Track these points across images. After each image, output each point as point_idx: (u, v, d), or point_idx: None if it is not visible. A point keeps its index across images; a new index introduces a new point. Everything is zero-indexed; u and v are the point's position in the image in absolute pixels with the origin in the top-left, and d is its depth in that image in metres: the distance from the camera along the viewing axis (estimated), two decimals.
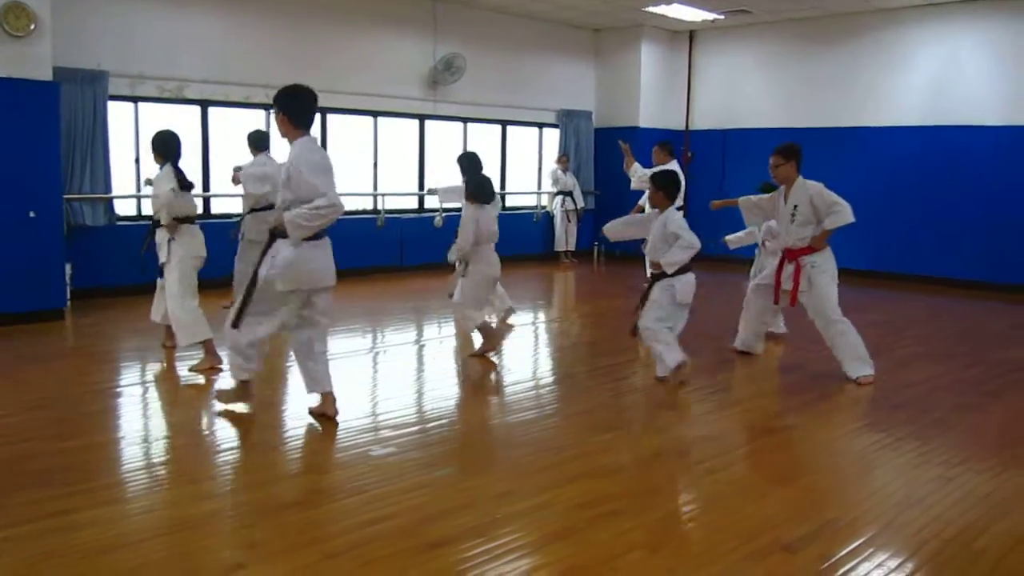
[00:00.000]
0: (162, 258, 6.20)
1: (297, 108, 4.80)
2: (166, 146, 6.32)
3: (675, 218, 6.02)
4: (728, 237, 8.25)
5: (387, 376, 6.47)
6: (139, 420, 5.20)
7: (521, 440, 4.81)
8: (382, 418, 5.16)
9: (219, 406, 5.17)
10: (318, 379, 5.00)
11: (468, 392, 6.04)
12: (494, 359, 6.76)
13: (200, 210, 9.74)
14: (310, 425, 4.97)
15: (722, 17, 12.69)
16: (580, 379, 6.21)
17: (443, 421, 5.25)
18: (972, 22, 11.28)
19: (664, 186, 6.13)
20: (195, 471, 4.24)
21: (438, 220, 11.46)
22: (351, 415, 5.14)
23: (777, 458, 4.65)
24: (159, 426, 5.12)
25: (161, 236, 6.17)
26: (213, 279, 7.56)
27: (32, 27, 7.42)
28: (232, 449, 4.62)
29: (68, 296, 8.31)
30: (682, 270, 5.90)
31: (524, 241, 13.36)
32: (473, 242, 6.65)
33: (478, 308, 6.90)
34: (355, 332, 7.98)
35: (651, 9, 12.16)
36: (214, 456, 4.51)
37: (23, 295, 7.61)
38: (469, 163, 7.76)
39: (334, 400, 5.01)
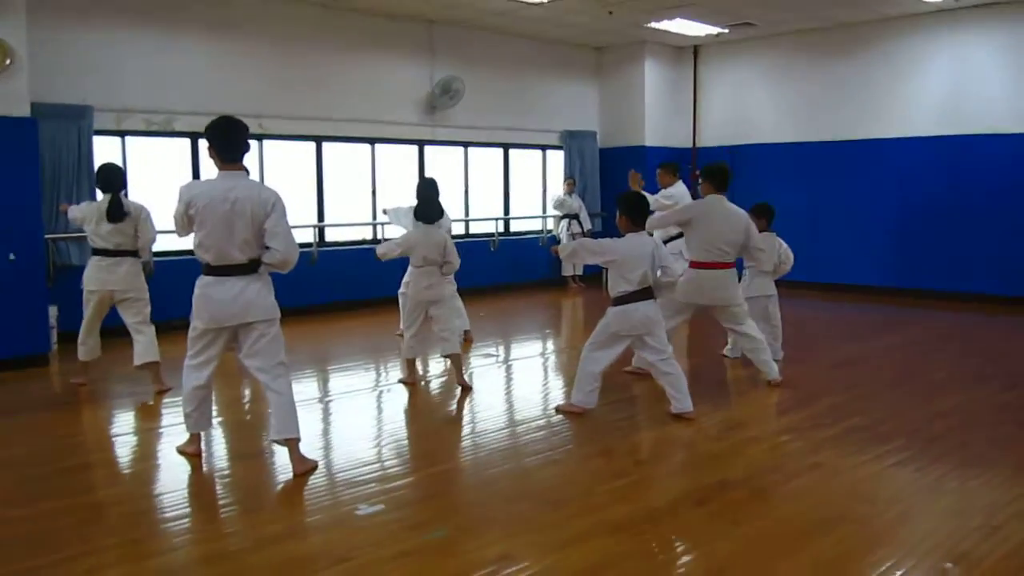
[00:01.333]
0: None
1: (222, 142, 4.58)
2: (102, 176, 6.58)
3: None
4: None
5: (378, 419, 6.09)
6: (108, 480, 4.82)
7: (522, 491, 4.40)
8: (367, 470, 4.76)
9: (190, 461, 4.88)
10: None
11: (465, 435, 5.64)
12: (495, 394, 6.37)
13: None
14: (290, 480, 4.58)
15: (726, 31, 12.35)
16: (591, 416, 5.78)
17: (435, 470, 4.83)
18: (984, 27, 10.90)
19: (626, 210, 5.72)
20: (157, 541, 3.83)
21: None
22: (333, 467, 4.76)
23: (807, 504, 4.22)
24: (125, 487, 4.72)
25: None
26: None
27: (8, 62, 7.14)
28: (203, 510, 4.24)
29: (55, 340, 7.99)
30: (625, 299, 5.59)
31: (530, 267, 13.00)
32: (413, 262, 6.61)
33: (407, 332, 6.73)
34: (353, 370, 7.62)
35: (653, 25, 11.84)
36: (178, 521, 4.10)
37: (5, 341, 7.28)
38: (421, 187, 7.58)
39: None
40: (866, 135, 11.99)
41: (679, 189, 8.49)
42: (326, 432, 5.75)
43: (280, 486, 4.60)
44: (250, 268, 4.60)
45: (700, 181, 6.77)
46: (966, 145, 11.08)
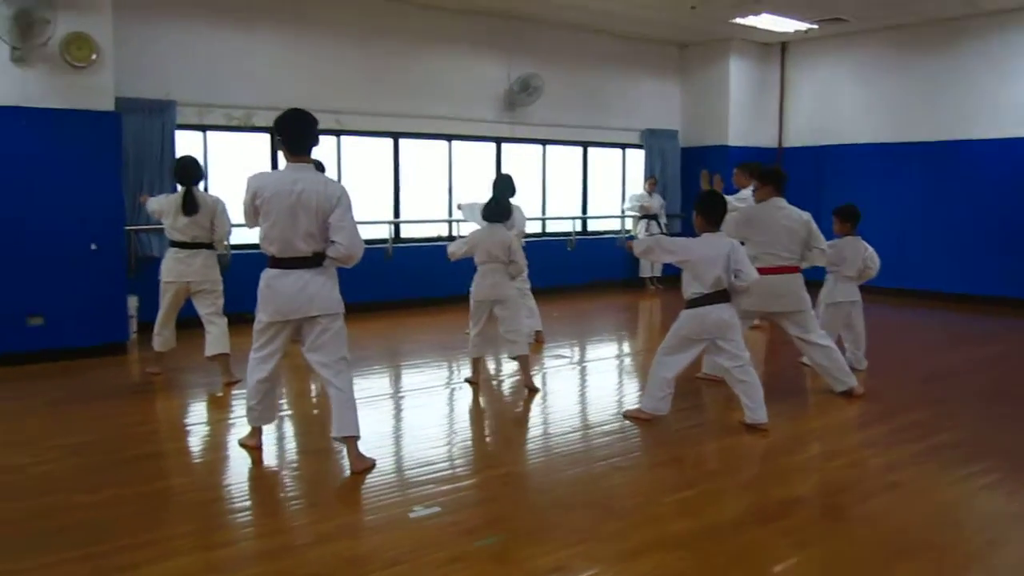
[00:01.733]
0: None
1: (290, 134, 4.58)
2: (178, 169, 6.72)
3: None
4: None
5: (442, 418, 6.02)
6: (173, 469, 4.85)
7: (582, 499, 4.25)
8: (427, 470, 4.68)
9: (251, 454, 4.91)
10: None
11: (529, 438, 5.51)
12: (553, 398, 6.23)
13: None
14: (346, 477, 4.54)
15: (815, 27, 11.93)
16: (661, 423, 5.59)
17: (495, 473, 4.71)
18: None
19: (702, 210, 5.54)
20: (213, 535, 3.82)
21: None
22: (393, 465, 4.71)
23: (884, 527, 3.95)
24: (189, 477, 4.74)
25: None
26: None
27: (94, 57, 7.30)
28: (263, 504, 4.23)
29: (135, 329, 8.17)
30: (698, 302, 5.41)
31: (607, 267, 12.79)
32: (478, 260, 6.54)
33: (472, 331, 6.64)
34: (421, 368, 7.58)
35: (739, 21, 11.49)
36: (236, 515, 4.10)
37: (85, 329, 7.48)
38: (500, 184, 7.73)
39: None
40: (962, 136, 11.42)
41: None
42: (389, 430, 5.69)
43: (340, 483, 4.56)
44: (314, 261, 4.58)
45: (755, 186, 6.50)
46: None
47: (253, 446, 4.95)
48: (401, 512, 4.03)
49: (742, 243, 6.12)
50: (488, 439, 5.51)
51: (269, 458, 4.91)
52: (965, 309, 10.86)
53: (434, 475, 4.59)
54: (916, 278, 11.74)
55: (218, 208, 6.62)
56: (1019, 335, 9.24)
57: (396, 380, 7.24)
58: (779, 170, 6.62)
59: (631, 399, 6.30)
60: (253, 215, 4.60)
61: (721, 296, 5.42)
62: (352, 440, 4.65)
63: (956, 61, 11.43)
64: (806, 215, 6.42)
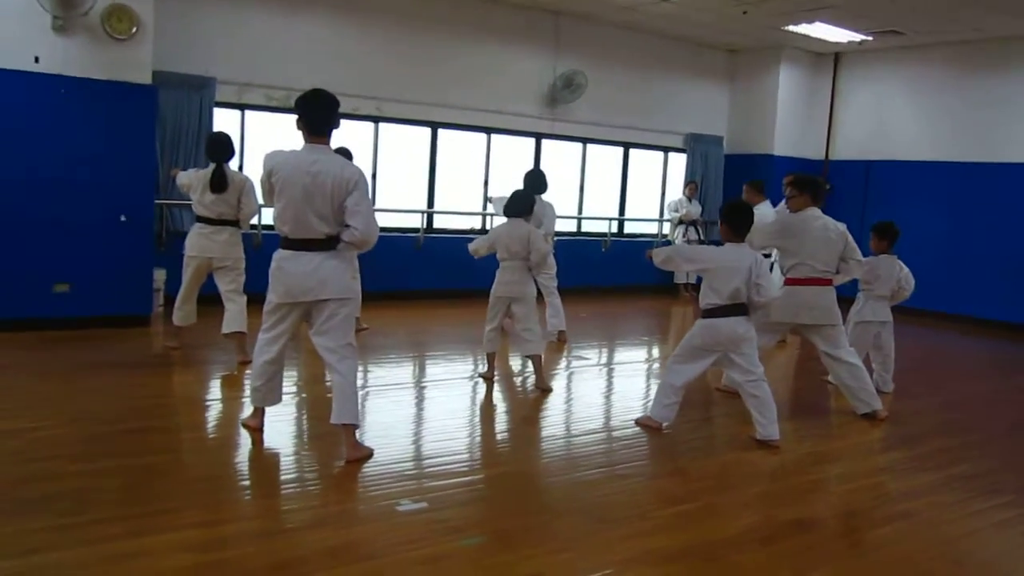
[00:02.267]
0: None
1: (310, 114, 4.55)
2: (210, 145, 6.71)
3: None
4: None
5: (449, 412, 5.94)
6: (169, 446, 4.81)
7: (574, 506, 4.14)
8: (424, 464, 4.61)
9: (252, 435, 4.88)
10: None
11: (532, 439, 5.39)
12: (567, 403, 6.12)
13: None
14: (344, 464, 4.48)
15: (870, 38, 11.63)
16: (671, 433, 5.45)
17: (491, 472, 4.62)
18: None
19: (727, 219, 5.38)
20: (197, 513, 3.76)
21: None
22: (390, 456, 4.64)
23: (887, 558, 3.78)
24: (184, 454, 4.70)
25: None
26: None
27: (134, 30, 7.35)
28: (259, 485, 4.18)
29: (161, 302, 8.22)
30: (713, 313, 5.28)
31: (641, 270, 12.50)
32: (499, 256, 6.50)
33: (488, 326, 6.57)
34: (439, 360, 7.51)
35: (791, 28, 11.25)
36: (226, 495, 4.05)
37: (110, 299, 7.54)
38: (529, 179, 7.83)
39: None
40: (1017, 158, 11.05)
41: (764, 209, 8.05)
42: (394, 420, 5.62)
43: (337, 470, 4.49)
44: (328, 244, 4.52)
45: (789, 194, 6.30)
46: None
47: (254, 427, 4.91)
48: (390, 505, 3.95)
49: (767, 255, 5.94)
50: (491, 437, 5.42)
51: (271, 440, 4.86)
52: (997, 335, 10.51)
53: (430, 470, 4.52)
54: (955, 302, 11.40)
55: (247, 186, 6.61)
56: None
57: (413, 371, 7.18)
58: (818, 179, 6.45)
59: (641, 407, 6.16)
60: (269, 193, 4.57)
61: (738, 309, 5.27)
62: (350, 428, 4.58)
63: (1012, 81, 11.07)
64: (842, 226, 6.26)
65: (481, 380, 6.65)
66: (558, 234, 10.72)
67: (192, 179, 6.69)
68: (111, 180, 7.41)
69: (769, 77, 13.02)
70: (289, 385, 6.08)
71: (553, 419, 5.85)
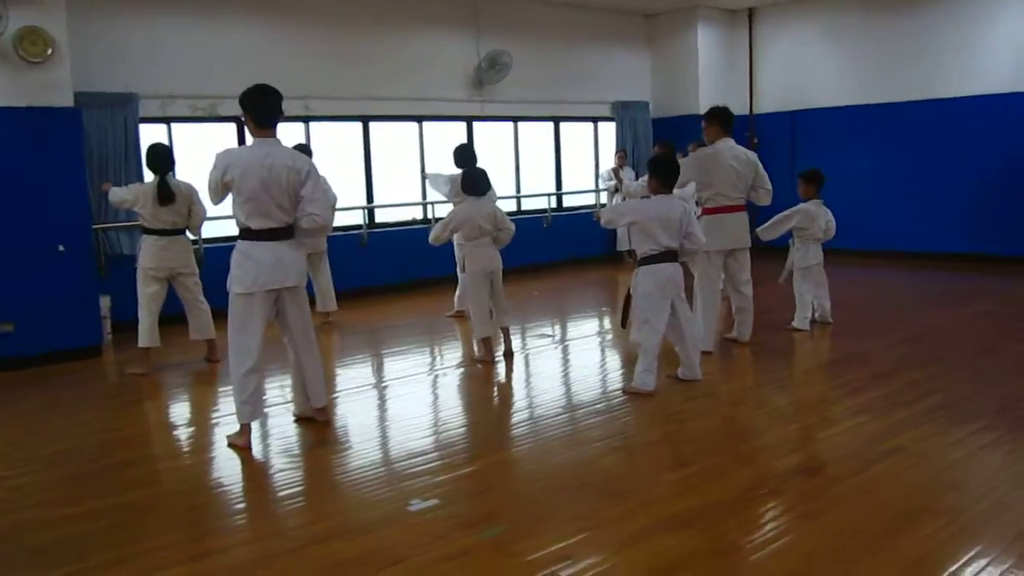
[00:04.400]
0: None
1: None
2: (151, 157, 6.64)
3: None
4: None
5: (431, 406, 5.91)
6: (161, 475, 4.66)
7: (580, 484, 4.15)
8: (420, 460, 4.56)
9: (240, 453, 4.79)
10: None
11: (521, 422, 5.39)
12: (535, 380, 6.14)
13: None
14: (341, 472, 4.43)
15: None
16: (649, 399, 5.51)
17: (490, 460, 4.61)
18: None
19: (655, 172, 5.75)
20: (201, 543, 3.67)
21: None
22: (386, 458, 4.60)
23: (890, 494, 3.89)
24: (177, 483, 4.54)
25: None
26: None
27: (49, 52, 7.05)
28: (256, 506, 4.09)
29: (109, 330, 7.95)
30: (650, 259, 5.61)
31: (583, 242, 12.67)
32: (466, 237, 6.63)
33: (478, 309, 6.70)
34: (405, 354, 7.44)
35: None
36: (225, 520, 3.95)
37: (58, 333, 7.26)
38: (460, 155, 7.99)
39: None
40: (935, 95, 11.40)
41: None
42: (377, 420, 5.58)
43: (333, 479, 4.43)
44: (288, 233, 4.77)
45: (704, 125, 6.73)
46: None
47: (243, 445, 4.81)
48: (398, 507, 3.91)
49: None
50: (481, 425, 5.40)
51: (260, 455, 4.77)
52: (944, 268, 10.87)
53: (428, 465, 4.48)
54: (888, 238, 11.77)
55: (194, 195, 6.70)
56: (998, 292, 9.25)
57: (380, 368, 7.09)
58: (726, 108, 6.80)
59: (617, 376, 6.22)
60: (220, 191, 4.71)
61: (671, 256, 5.62)
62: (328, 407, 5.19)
63: (923, 21, 11.39)
64: (753, 155, 6.76)
65: (479, 366, 6.68)
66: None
67: (135, 194, 6.64)
68: (44, 210, 7.12)
69: (687, 38, 13.15)
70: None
71: (538, 399, 5.86)
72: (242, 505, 4.17)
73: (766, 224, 7.45)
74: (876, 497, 3.87)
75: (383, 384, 6.54)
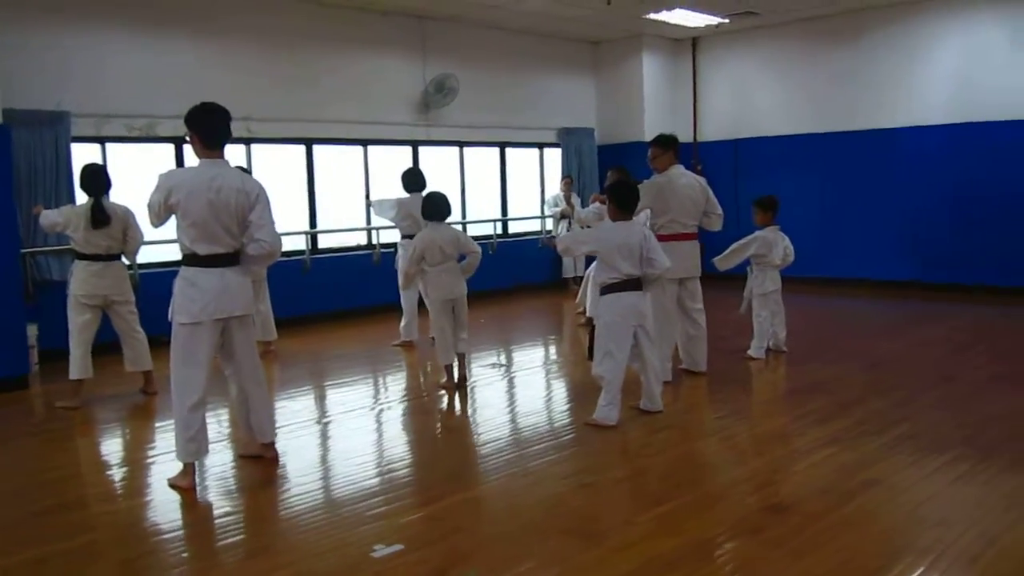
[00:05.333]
0: None
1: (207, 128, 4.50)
2: (85, 178, 6.31)
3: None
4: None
5: (385, 441, 5.65)
6: (99, 521, 4.30)
7: (555, 522, 3.95)
8: (380, 500, 4.30)
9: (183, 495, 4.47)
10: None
11: (482, 457, 5.15)
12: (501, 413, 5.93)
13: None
14: (293, 515, 4.14)
15: (727, 21, 11.95)
16: (614, 432, 5.33)
17: (454, 499, 4.35)
18: (996, 10, 10.52)
19: (615, 198, 5.64)
20: None
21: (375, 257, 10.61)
22: (340, 499, 4.33)
23: (875, 530, 3.78)
24: (118, 529, 4.19)
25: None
26: None
27: None
28: (203, 557, 3.77)
29: (36, 360, 7.48)
30: (613, 288, 5.49)
31: (529, 269, 12.53)
32: (429, 263, 6.46)
33: (440, 336, 6.56)
34: (353, 385, 7.16)
35: (652, 16, 11.40)
36: (176, 569, 3.63)
37: None
38: (409, 179, 8.02)
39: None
40: (875, 125, 11.59)
41: None
42: (329, 457, 5.29)
43: (287, 522, 4.15)
44: (235, 259, 4.51)
45: (653, 154, 6.62)
46: (980, 132, 10.69)
47: (186, 487, 4.49)
48: (361, 552, 3.64)
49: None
50: (440, 460, 5.16)
51: (201, 498, 4.45)
52: (886, 295, 11.00)
53: (388, 506, 4.22)
54: (835, 267, 11.87)
55: (130, 218, 6.36)
56: (943, 319, 9.37)
57: (326, 401, 6.78)
58: (674, 136, 6.77)
59: (573, 408, 6.05)
60: (162, 214, 4.44)
61: (634, 284, 5.48)
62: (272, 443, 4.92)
63: (868, 51, 11.59)
64: (703, 180, 6.72)
65: (444, 391, 6.58)
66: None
67: (67, 216, 6.27)
68: None
69: (632, 66, 13.19)
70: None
71: (497, 432, 5.62)
72: (189, 555, 3.82)
73: (723, 253, 7.41)
74: (860, 534, 3.75)
75: (330, 418, 6.21)
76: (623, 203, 5.59)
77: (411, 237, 8.08)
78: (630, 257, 5.46)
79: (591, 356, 5.61)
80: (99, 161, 8.48)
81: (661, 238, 6.38)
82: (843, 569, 3.38)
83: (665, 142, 6.63)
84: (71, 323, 6.29)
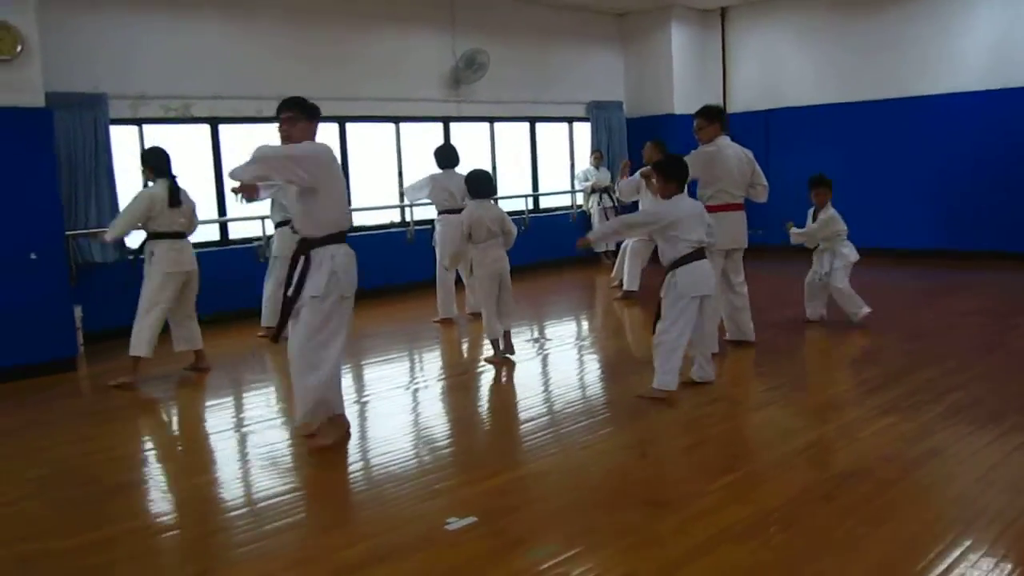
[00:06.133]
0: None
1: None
2: (158, 159, 6.49)
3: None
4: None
5: (443, 416, 5.68)
6: (158, 502, 4.36)
7: (624, 495, 3.96)
8: (444, 475, 4.33)
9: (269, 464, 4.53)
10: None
11: (542, 430, 5.13)
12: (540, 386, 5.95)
13: (217, 236, 9.18)
14: (367, 488, 4.18)
15: None
16: (671, 404, 5.32)
17: (520, 472, 4.39)
18: None
19: (672, 174, 5.58)
20: (228, 566, 3.42)
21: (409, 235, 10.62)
22: (405, 471, 4.36)
23: (946, 498, 3.80)
24: (179, 509, 4.24)
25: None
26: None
27: (19, 49, 6.67)
28: (270, 535, 3.78)
29: (81, 341, 7.55)
30: (685, 260, 5.38)
31: (561, 244, 12.45)
32: (475, 240, 6.52)
33: (489, 310, 6.60)
34: (396, 362, 7.19)
35: None
36: (244, 549, 3.61)
37: (30, 346, 6.83)
38: (443, 156, 8.05)
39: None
40: (908, 93, 11.45)
41: None
42: (382, 434, 5.30)
43: (357, 498, 4.19)
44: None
45: (699, 125, 6.56)
46: (1011, 100, 10.54)
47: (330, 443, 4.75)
48: (435, 525, 3.67)
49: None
50: (498, 435, 5.19)
51: (265, 475, 4.48)
52: (921, 264, 10.91)
53: (455, 480, 4.25)
54: (863, 235, 11.62)
55: (192, 201, 6.67)
56: (982, 286, 9.30)
57: (368, 379, 6.76)
58: (720, 107, 6.82)
59: (621, 381, 6.04)
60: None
61: (702, 253, 5.47)
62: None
63: (902, 17, 11.42)
64: (749, 153, 6.69)
65: (491, 365, 6.63)
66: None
67: (146, 204, 6.38)
68: (14, 216, 6.71)
69: (660, 38, 13.06)
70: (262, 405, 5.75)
71: (553, 406, 5.62)
72: (261, 531, 3.83)
73: (801, 231, 7.51)
74: (931, 500, 3.77)
75: (378, 394, 6.19)
76: (678, 176, 5.55)
77: (449, 212, 8.09)
78: (701, 224, 5.49)
79: (655, 330, 5.52)
80: (137, 143, 8.55)
81: (710, 208, 6.31)
82: (922, 535, 3.38)
83: (711, 113, 6.59)
84: (151, 300, 6.39)
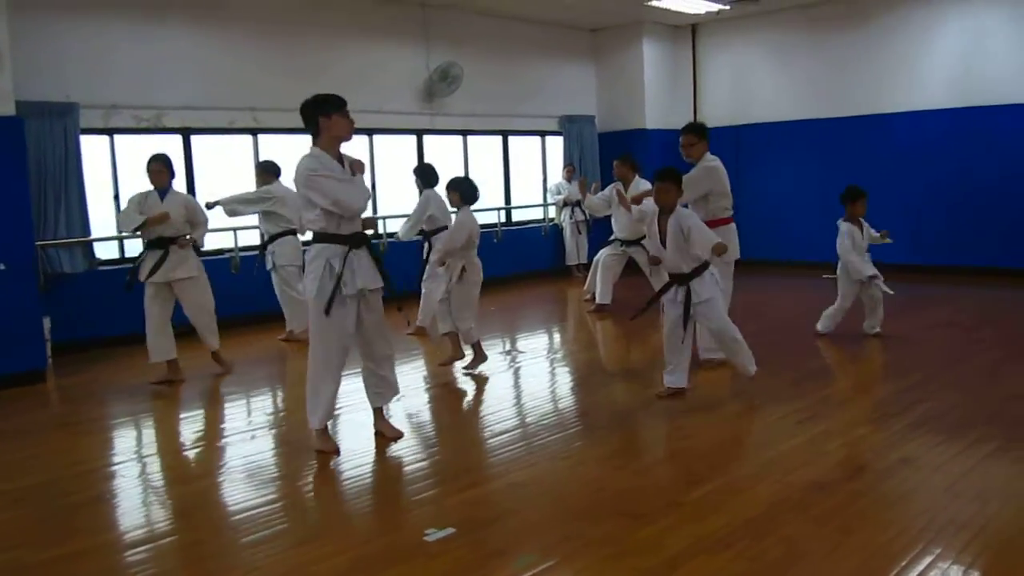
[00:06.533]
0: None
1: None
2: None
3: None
4: None
5: (419, 425, 5.68)
6: (131, 514, 4.31)
7: (600, 506, 3.99)
8: (424, 485, 4.34)
9: (233, 478, 4.49)
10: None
11: (516, 441, 5.14)
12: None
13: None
14: (345, 500, 4.17)
15: (727, 8, 11.97)
16: (643, 415, 5.39)
17: (497, 484, 4.39)
18: None
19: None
20: (225, 572, 3.41)
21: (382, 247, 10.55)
22: (386, 480, 4.36)
23: (916, 507, 3.87)
24: (154, 522, 4.21)
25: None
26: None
27: None
28: (247, 547, 3.76)
29: (49, 353, 7.46)
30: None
31: (533, 257, 12.58)
32: (465, 247, 6.52)
33: (473, 317, 6.68)
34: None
35: (652, 3, 11.41)
36: (222, 561, 3.62)
37: None
38: (425, 174, 8.09)
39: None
40: (875, 110, 11.68)
41: (641, 185, 8.62)
42: (362, 445, 5.30)
43: (336, 507, 4.18)
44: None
45: (688, 142, 6.54)
46: (979, 117, 10.79)
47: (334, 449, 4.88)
48: (414, 537, 3.68)
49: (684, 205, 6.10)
50: (474, 446, 5.19)
51: (242, 487, 4.46)
52: (895, 278, 11.03)
53: (434, 491, 4.26)
54: (833, 250, 11.87)
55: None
56: (947, 302, 9.47)
57: (346, 390, 6.75)
58: (705, 124, 6.88)
59: (606, 392, 6.09)
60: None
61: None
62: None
63: (866, 38, 11.66)
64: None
65: (468, 378, 6.70)
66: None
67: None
68: None
69: (632, 53, 13.21)
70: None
71: (528, 417, 5.66)
72: (237, 543, 3.81)
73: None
74: (902, 509, 3.84)
75: (353, 406, 6.20)
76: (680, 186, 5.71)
77: (444, 229, 7.94)
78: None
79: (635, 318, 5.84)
80: (108, 153, 8.50)
81: (720, 222, 6.37)
82: (894, 543, 3.44)
83: (701, 130, 6.65)
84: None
